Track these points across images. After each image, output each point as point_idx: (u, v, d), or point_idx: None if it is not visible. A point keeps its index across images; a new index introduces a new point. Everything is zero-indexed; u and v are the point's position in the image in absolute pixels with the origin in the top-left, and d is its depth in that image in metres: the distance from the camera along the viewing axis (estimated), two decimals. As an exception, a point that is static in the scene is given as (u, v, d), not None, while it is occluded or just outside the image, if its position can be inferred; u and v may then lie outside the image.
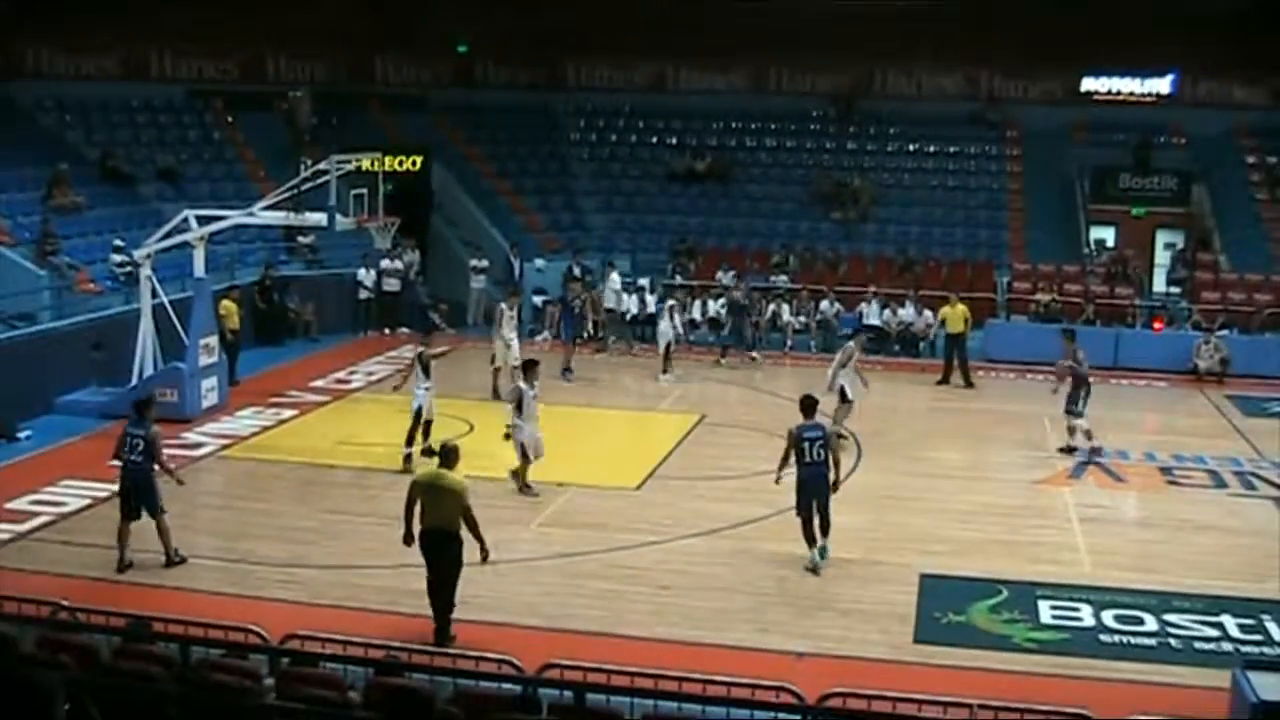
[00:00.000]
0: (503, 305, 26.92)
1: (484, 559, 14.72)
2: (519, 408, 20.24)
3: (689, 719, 10.24)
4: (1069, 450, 23.52)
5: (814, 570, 17.17)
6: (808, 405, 17.75)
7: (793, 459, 17.38)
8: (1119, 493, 21.90)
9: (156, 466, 17.06)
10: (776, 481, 17.64)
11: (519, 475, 20.35)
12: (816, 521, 17.30)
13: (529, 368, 21.09)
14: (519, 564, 17.55)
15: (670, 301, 31.31)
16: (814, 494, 17.27)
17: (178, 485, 17.27)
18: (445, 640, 14.11)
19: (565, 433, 23.22)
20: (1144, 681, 14.21)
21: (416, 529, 14.71)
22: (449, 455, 15.03)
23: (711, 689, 10.67)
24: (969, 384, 29.35)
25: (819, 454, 17.24)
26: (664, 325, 29.72)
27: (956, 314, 29.34)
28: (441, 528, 14.48)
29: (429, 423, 21.89)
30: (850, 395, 23.48)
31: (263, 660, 11.19)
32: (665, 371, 29.18)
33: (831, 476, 17.37)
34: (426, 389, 21.90)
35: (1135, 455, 23.89)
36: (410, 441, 21.59)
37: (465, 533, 14.62)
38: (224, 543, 18.26)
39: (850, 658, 14.63)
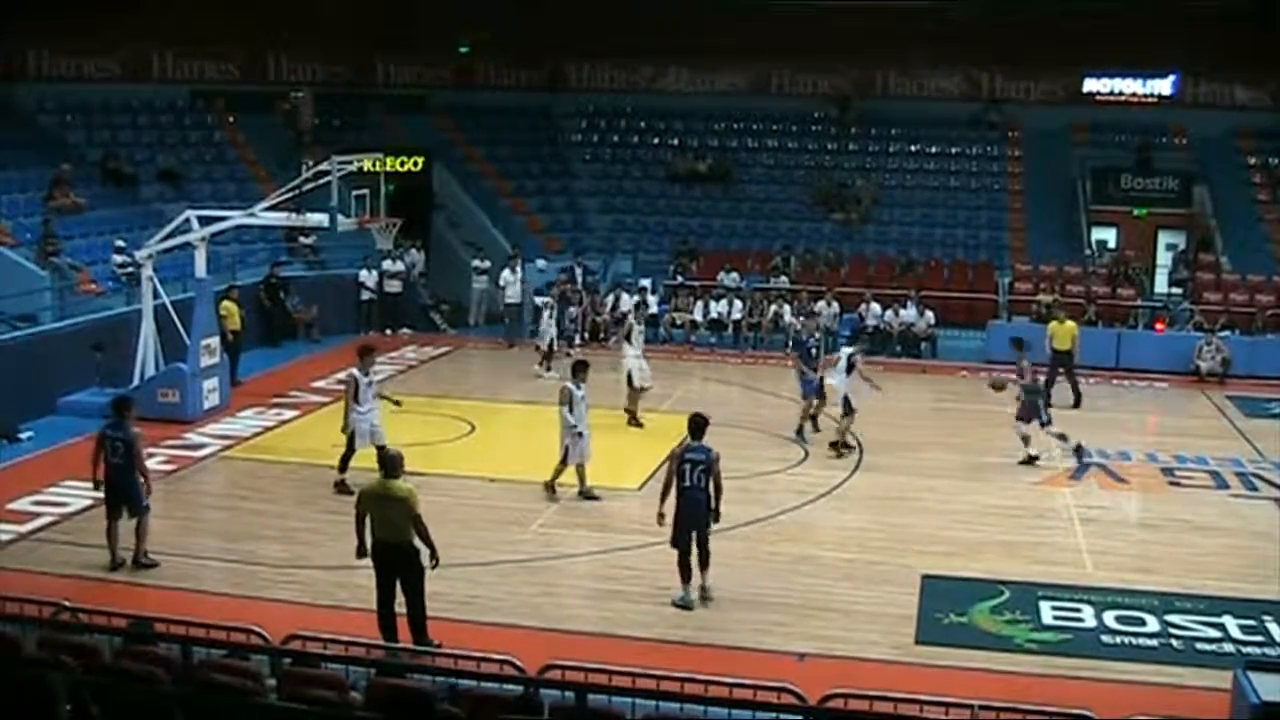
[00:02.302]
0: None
1: (433, 564, 14.31)
2: (571, 409, 19.95)
3: (690, 720, 10.25)
4: (1031, 461, 23.06)
5: (685, 606, 15.96)
6: (696, 425, 16.33)
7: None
8: (1120, 494, 21.88)
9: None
10: (660, 521, 16.13)
11: (554, 477, 20.20)
12: (696, 554, 16.08)
13: (578, 369, 20.58)
14: (520, 564, 17.57)
15: (548, 299, 30.84)
16: (692, 524, 15.93)
17: (147, 493, 17.14)
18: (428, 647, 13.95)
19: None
20: (1145, 682, 14.22)
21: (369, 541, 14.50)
22: (392, 463, 14.59)
23: (713, 690, 10.65)
24: (1077, 403, 27.87)
25: (699, 479, 15.83)
26: (544, 323, 29.43)
27: (1064, 331, 28.10)
28: (391, 541, 14.20)
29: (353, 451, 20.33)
30: (854, 405, 23.32)
31: (264, 661, 11.18)
32: (547, 368, 28.79)
33: (713, 504, 16.01)
34: (363, 414, 20.23)
35: (1137, 456, 23.89)
36: (343, 467, 20.32)
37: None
38: (226, 543, 18.29)
39: (852, 658, 14.65)
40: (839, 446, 23.29)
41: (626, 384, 25.02)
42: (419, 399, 22.54)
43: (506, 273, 34.15)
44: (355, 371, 20.57)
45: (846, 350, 24.20)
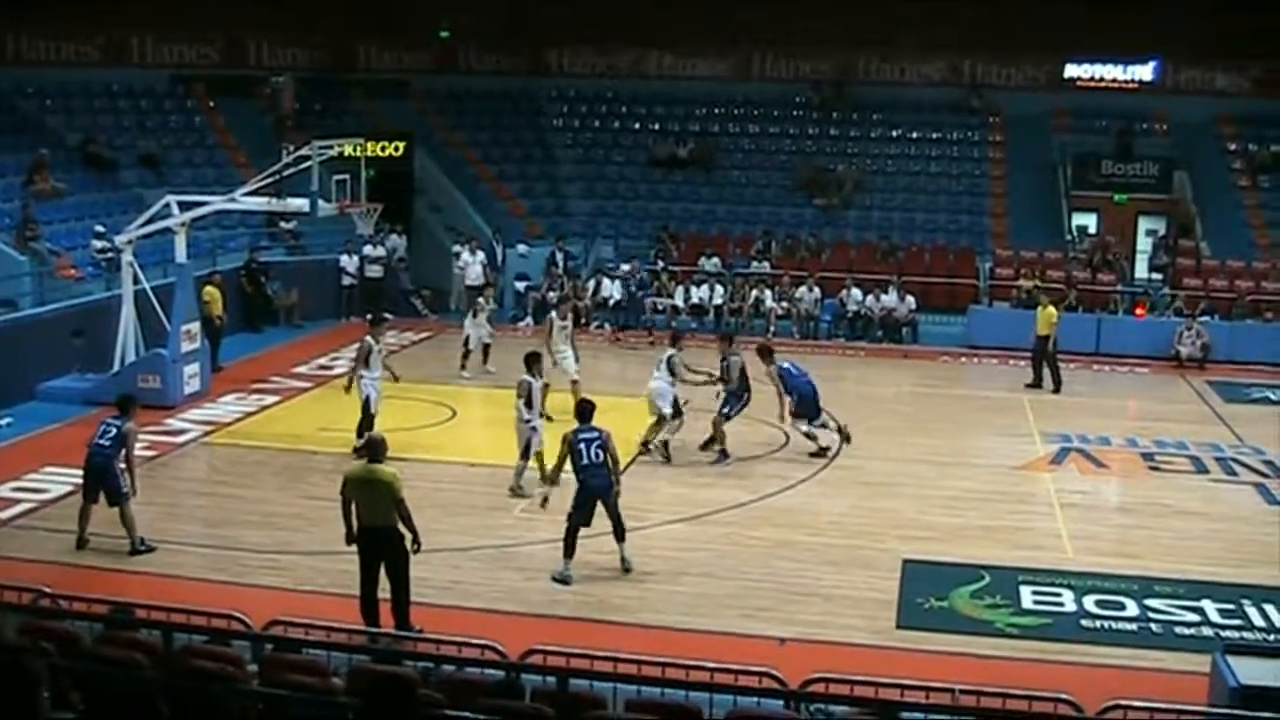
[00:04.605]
0: (553, 314, 25.60)
1: (416, 548, 14.35)
2: (529, 403, 19.55)
3: (672, 705, 10.26)
4: (823, 452, 22.21)
5: (564, 581, 16.28)
6: (583, 410, 17.04)
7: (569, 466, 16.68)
8: (1100, 478, 21.97)
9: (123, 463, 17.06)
10: (542, 504, 17.31)
11: (517, 478, 19.73)
12: (612, 527, 16.50)
13: (531, 360, 20.10)
14: (502, 550, 17.56)
15: (480, 300, 28.94)
16: (595, 495, 16.40)
17: (131, 491, 17.13)
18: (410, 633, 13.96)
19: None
20: (1125, 666, 14.28)
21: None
22: (376, 448, 14.70)
23: (694, 674, 10.67)
24: (1057, 388, 28.05)
25: (597, 455, 16.37)
26: (468, 323, 28.15)
27: (1044, 316, 28.25)
28: (377, 525, 14.24)
29: (372, 416, 21.21)
30: (681, 409, 21.98)
31: (246, 647, 11.19)
32: (462, 367, 27.82)
33: (615, 476, 16.61)
34: (373, 379, 21.36)
35: (1117, 441, 23.96)
36: (361, 433, 20.73)
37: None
38: (207, 529, 18.30)
39: (833, 643, 14.67)
40: (662, 448, 21.79)
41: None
42: (400, 384, 22.49)
43: (465, 254, 34.20)
44: (369, 339, 21.43)
45: (666, 353, 22.38)
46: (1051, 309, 28.56)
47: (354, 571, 14.46)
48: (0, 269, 27.03)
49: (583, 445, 16.46)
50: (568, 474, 16.76)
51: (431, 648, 11.58)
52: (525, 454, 19.63)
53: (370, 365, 21.33)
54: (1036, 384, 28.13)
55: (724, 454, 21.73)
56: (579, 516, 16.47)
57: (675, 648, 12.93)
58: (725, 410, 21.82)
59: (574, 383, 23.49)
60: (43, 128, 34.70)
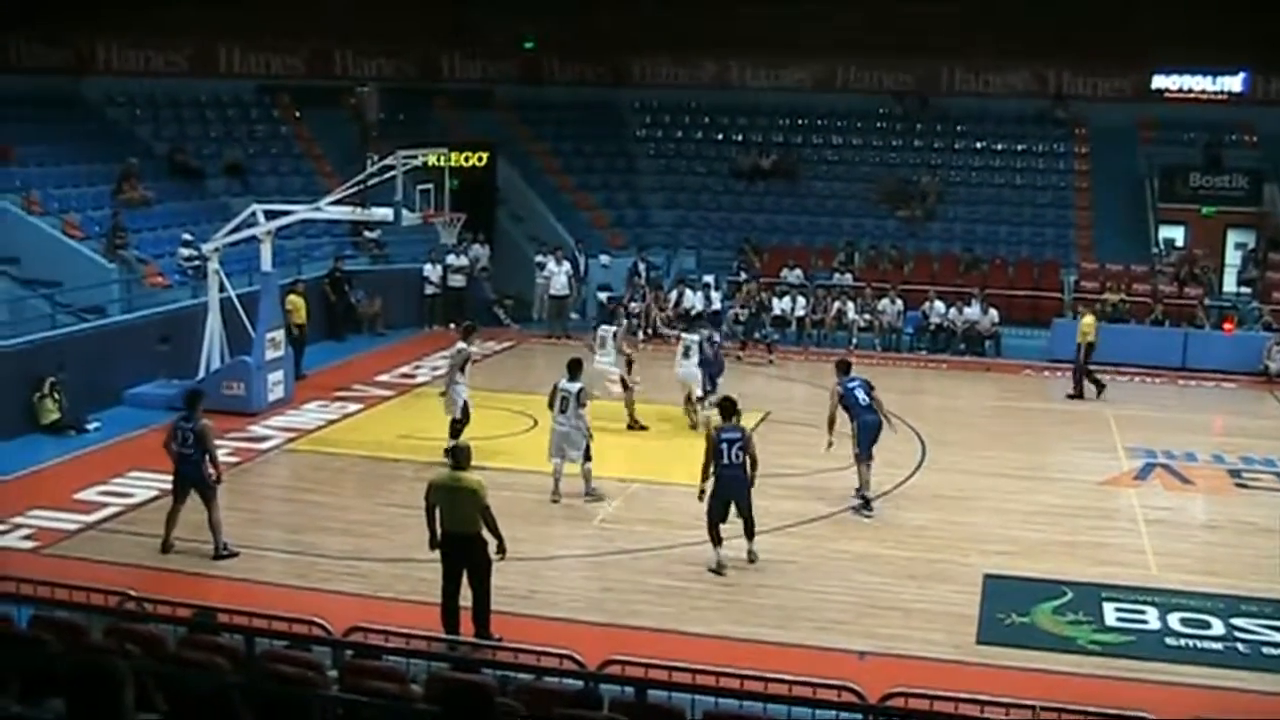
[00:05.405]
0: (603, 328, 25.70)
1: (500, 555, 14.45)
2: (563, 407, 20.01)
3: (750, 717, 10.22)
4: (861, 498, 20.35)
5: (717, 571, 16.96)
6: (726, 408, 17.63)
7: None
8: (1186, 495, 21.67)
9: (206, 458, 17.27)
10: (700, 496, 17.28)
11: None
12: (742, 525, 17.16)
13: (573, 367, 20.51)
14: (582, 560, 17.62)
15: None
16: (731, 495, 17.04)
17: (217, 482, 17.32)
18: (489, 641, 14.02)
19: (628, 430, 23.41)
20: (1210, 686, 14.06)
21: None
22: (461, 456, 14.81)
23: (773, 687, 10.64)
24: (1079, 393, 28.25)
25: (737, 456, 17.03)
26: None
27: (1083, 325, 28.40)
28: (461, 531, 14.32)
29: (459, 422, 21.77)
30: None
31: (326, 652, 11.26)
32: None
33: (751, 477, 17.20)
34: (465, 386, 22.00)
35: (1203, 457, 23.64)
36: (455, 434, 21.25)
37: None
38: (288, 535, 18.44)
39: (913, 657, 14.58)
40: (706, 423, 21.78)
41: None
42: (482, 393, 22.64)
43: (551, 264, 34.33)
44: (467, 345, 22.30)
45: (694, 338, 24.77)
46: (1090, 317, 28.70)
47: (433, 579, 14.52)
48: (90, 276, 27.41)
49: (724, 445, 17.03)
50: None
51: (510, 656, 11.61)
52: (587, 456, 19.88)
53: (465, 372, 21.88)
54: (1078, 394, 28.14)
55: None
56: (716, 513, 17.08)
57: (754, 660, 12.87)
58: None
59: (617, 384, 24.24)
60: (131, 137, 35.18)
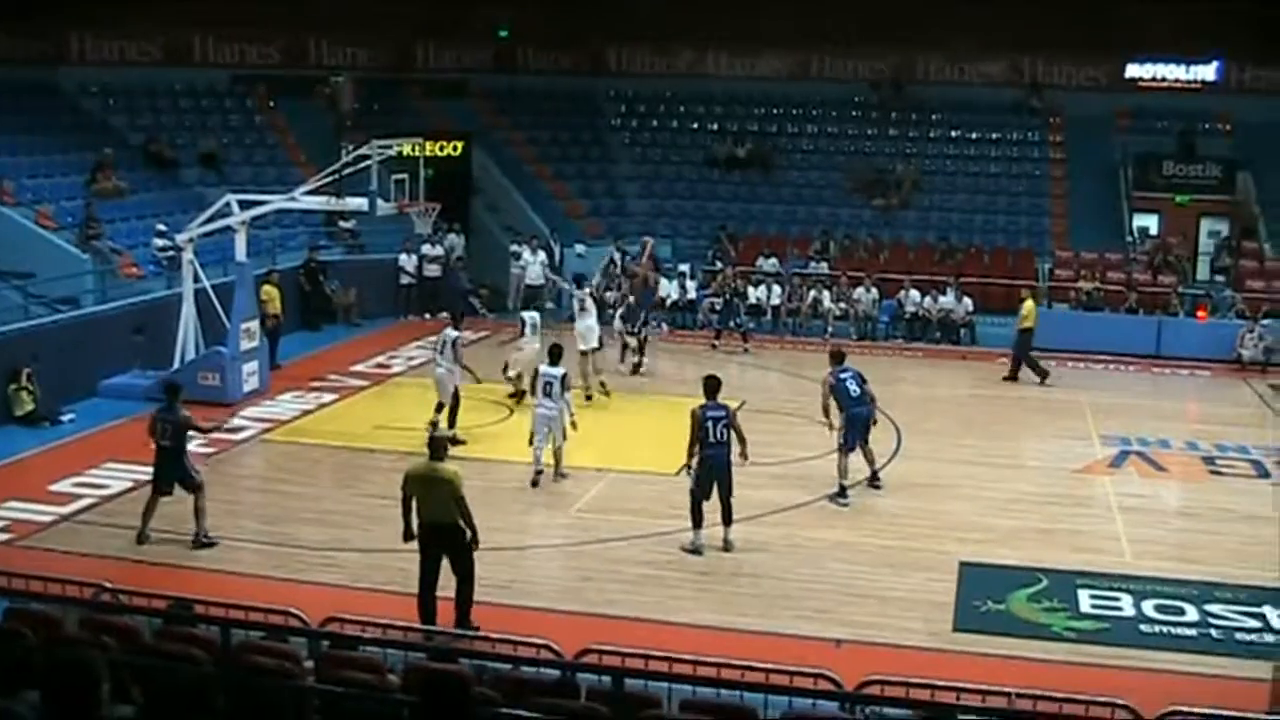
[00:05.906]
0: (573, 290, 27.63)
1: (475, 545, 14.45)
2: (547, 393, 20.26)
3: (727, 705, 10.24)
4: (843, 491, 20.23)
5: (695, 551, 17.16)
6: (711, 386, 17.61)
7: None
8: (1160, 482, 21.77)
9: (194, 437, 17.39)
10: (686, 471, 17.63)
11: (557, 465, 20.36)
12: (719, 509, 17.28)
13: (553, 352, 20.75)
14: (559, 549, 17.64)
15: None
16: (716, 475, 17.18)
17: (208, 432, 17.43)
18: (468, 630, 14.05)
19: (604, 419, 23.38)
20: (1184, 672, 14.16)
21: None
22: (439, 446, 14.82)
23: (750, 675, 10.65)
24: (1014, 376, 28.72)
25: (722, 434, 17.13)
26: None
27: (1025, 310, 28.73)
28: (441, 521, 14.34)
29: (448, 405, 22.19)
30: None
31: (302, 643, 11.25)
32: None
33: (742, 450, 17.46)
34: (447, 370, 22.28)
35: (1177, 444, 23.72)
36: (453, 423, 21.96)
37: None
38: (264, 526, 18.39)
39: (889, 645, 14.63)
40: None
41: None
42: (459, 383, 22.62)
43: (526, 253, 34.34)
44: (461, 332, 22.98)
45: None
46: (1030, 302, 28.95)
47: (410, 569, 14.52)
48: (63, 267, 27.25)
49: (710, 423, 17.12)
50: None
51: (487, 646, 11.62)
52: (563, 434, 20.12)
53: (448, 355, 22.21)
54: (1013, 377, 28.68)
55: None
56: (700, 491, 17.22)
57: (731, 648, 12.92)
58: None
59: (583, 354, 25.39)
60: (105, 127, 35.08)
